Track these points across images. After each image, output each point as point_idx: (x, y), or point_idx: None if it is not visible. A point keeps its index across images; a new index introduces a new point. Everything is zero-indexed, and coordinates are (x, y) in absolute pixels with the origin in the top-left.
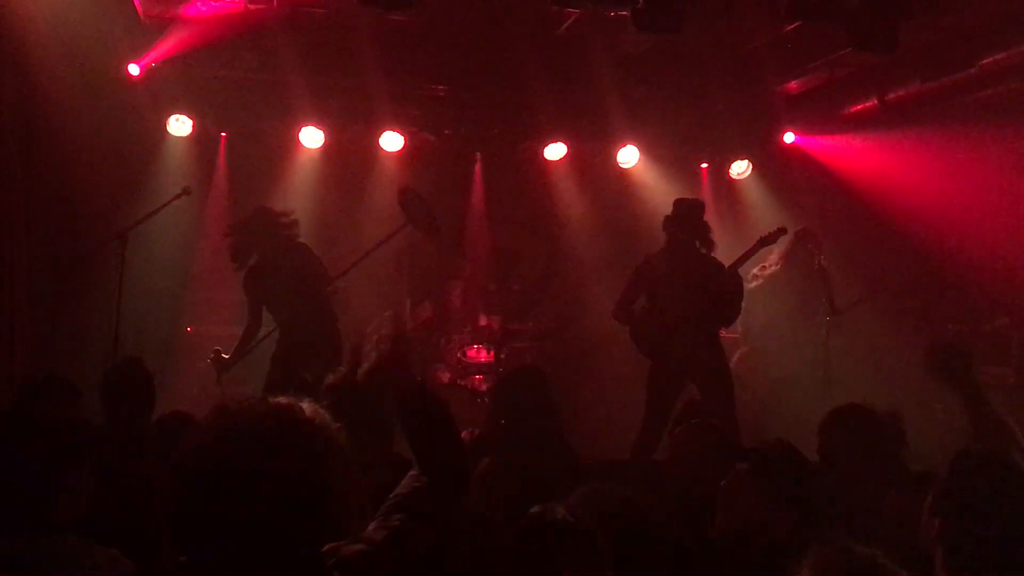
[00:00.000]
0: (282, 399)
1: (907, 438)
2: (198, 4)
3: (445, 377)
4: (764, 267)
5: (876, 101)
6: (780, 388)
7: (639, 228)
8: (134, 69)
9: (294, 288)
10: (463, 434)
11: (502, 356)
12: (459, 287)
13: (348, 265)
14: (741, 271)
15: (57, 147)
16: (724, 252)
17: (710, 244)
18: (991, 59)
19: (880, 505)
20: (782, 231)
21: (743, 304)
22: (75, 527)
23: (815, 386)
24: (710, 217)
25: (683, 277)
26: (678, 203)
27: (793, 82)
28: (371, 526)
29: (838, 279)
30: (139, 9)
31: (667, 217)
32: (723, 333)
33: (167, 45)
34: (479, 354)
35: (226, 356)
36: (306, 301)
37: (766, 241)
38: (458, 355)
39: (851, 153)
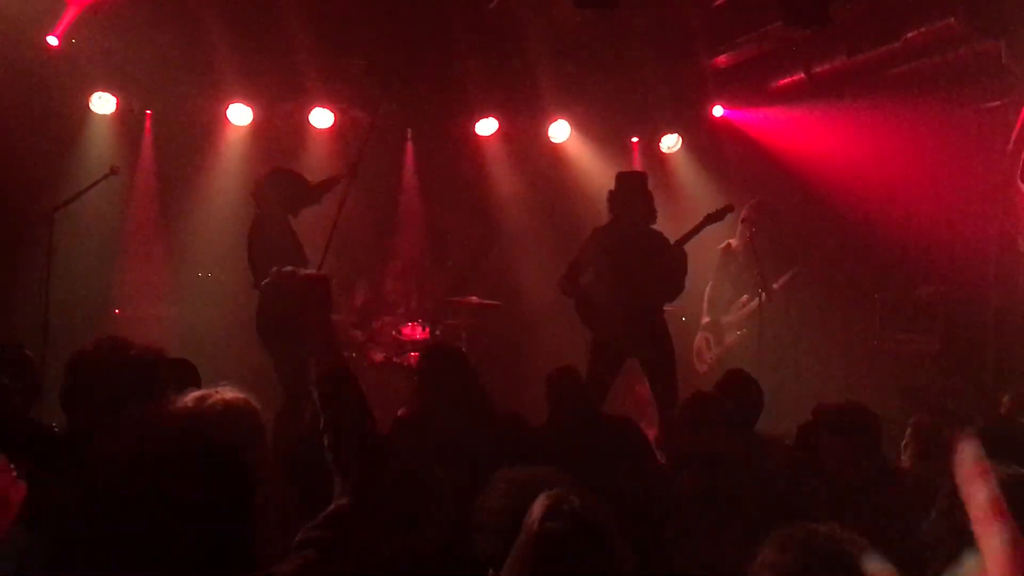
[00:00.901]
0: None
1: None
2: None
3: (379, 357)
4: (729, 243)
5: (803, 75)
6: (731, 357)
7: (571, 203)
8: (52, 40)
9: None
10: (400, 412)
11: (437, 332)
12: (396, 267)
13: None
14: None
15: None
16: (658, 227)
17: (653, 215)
18: (915, 32)
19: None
20: (729, 208)
21: (711, 283)
22: None
23: (751, 359)
24: None
25: (628, 251)
26: (621, 177)
27: (722, 56)
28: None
29: (767, 251)
30: None
31: (610, 192)
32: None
33: (87, 13)
34: (414, 331)
35: None
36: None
37: (712, 218)
38: (393, 333)
39: (780, 126)
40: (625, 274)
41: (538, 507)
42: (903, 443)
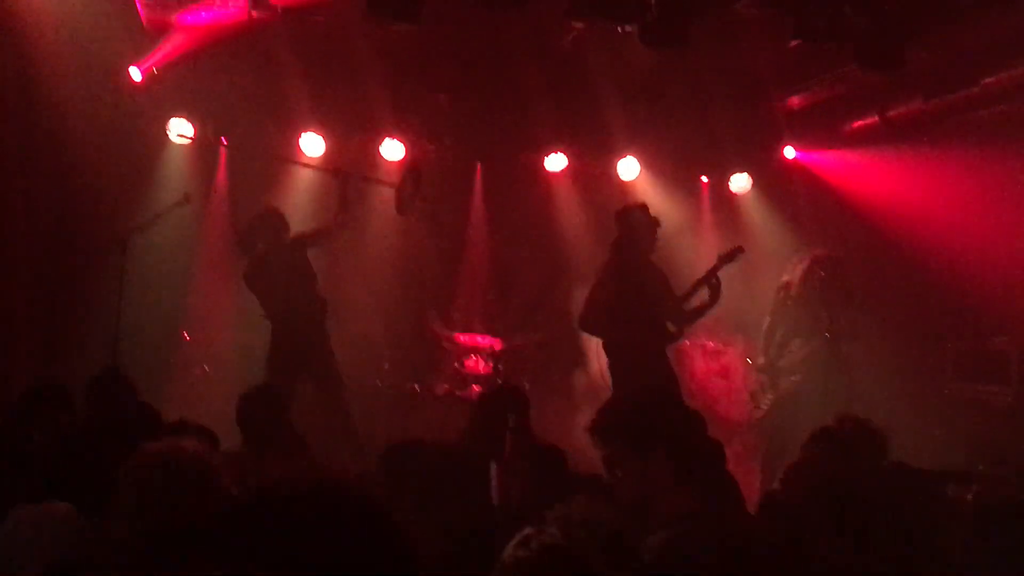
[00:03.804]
0: None
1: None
2: (201, 11)
3: (442, 389)
4: (781, 288)
5: (878, 118)
6: (789, 402)
7: None
8: (135, 74)
9: (288, 287)
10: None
11: (500, 367)
12: (460, 301)
13: None
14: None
15: (58, 153)
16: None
17: (652, 246)
18: (993, 78)
19: None
20: (740, 250)
21: (769, 320)
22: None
23: (820, 400)
24: (709, 232)
25: (631, 286)
26: (623, 217)
27: (795, 97)
28: None
29: (837, 294)
30: (142, 15)
31: (617, 238)
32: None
33: (168, 48)
34: (477, 365)
35: None
36: (299, 302)
37: (725, 259)
38: (455, 365)
39: (852, 169)
40: (634, 308)
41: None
42: None
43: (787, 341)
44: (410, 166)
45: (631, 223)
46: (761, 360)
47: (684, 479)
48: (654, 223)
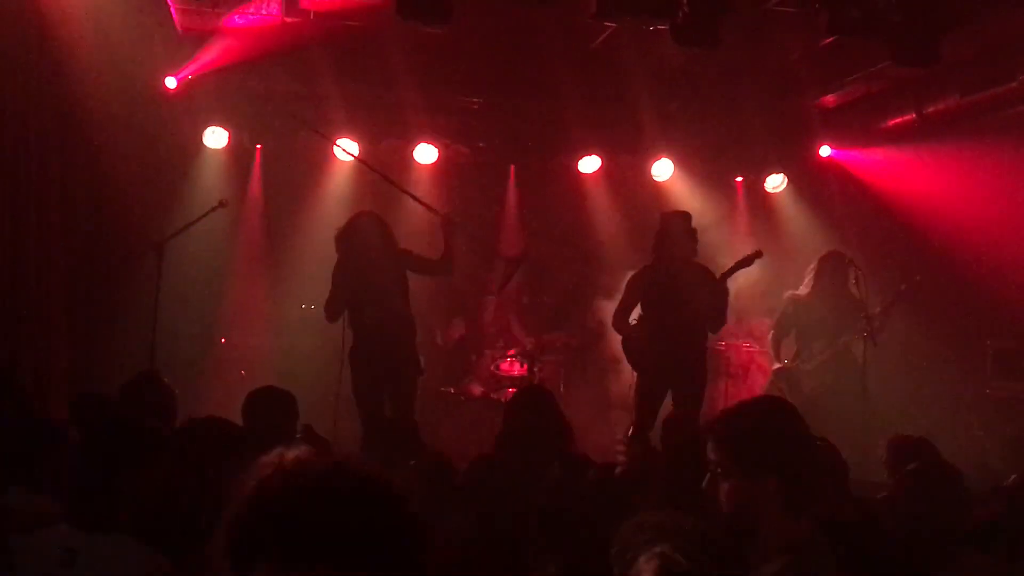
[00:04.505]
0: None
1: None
2: (235, 18)
3: (477, 391)
4: (795, 292)
5: (914, 115)
6: (814, 405)
7: None
8: (171, 82)
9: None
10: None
11: (535, 369)
12: (492, 302)
13: None
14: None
15: (95, 158)
16: (761, 266)
17: (694, 251)
18: None
19: None
20: (758, 254)
21: (773, 330)
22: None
23: (851, 402)
24: (745, 231)
25: (672, 288)
26: (665, 220)
27: (830, 95)
28: None
29: (872, 294)
30: (177, 23)
31: (657, 236)
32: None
33: (204, 59)
34: (512, 367)
35: None
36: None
37: (743, 263)
38: (491, 368)
39: (888, 167)
40: (669, 310)
41: (647, 570)
42: None
43: (808, 344)
44: (516, 257)
45: (668, 227)
46: (777, 365)
47: (797, 509)
48: (694, 232)
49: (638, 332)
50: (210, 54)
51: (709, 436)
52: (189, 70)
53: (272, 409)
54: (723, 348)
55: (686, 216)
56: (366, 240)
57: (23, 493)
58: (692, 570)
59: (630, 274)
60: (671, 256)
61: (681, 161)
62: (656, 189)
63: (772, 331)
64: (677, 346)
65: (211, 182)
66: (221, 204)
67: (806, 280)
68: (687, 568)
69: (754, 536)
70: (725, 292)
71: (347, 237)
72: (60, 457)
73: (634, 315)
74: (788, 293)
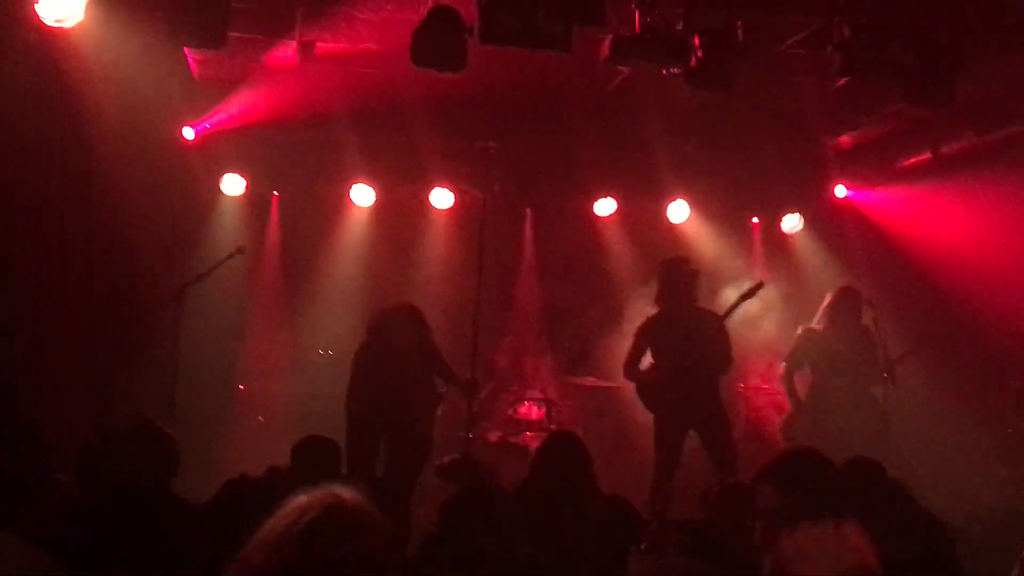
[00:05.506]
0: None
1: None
2: (250, 65)
3: (495, 436)
4: (810, 326)
5: (930, 154)
6: (837, 446)
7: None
8: (189, 133)
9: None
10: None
11: (553, 413)
12: (510, 344)
13: None
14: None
15: (114, 206)
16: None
17: (693, 295)
18: None
19: None
20: (760, 286)
21: (785, 362)
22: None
23: (871, 442)
24: (762, 272)
25: (678, 333)
26: (664, 269)
27: (844, 136)
28: None
29: (890, 334)
30: (194, 71)
31: (658, 285)
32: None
33: (221, 115)
34: (530, 411)
35: None
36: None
37: (746, 296)
38: (508, 412)
39: (904, 207)
40: (679, 354)
41: None
42: None
43: (827, 380)
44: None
45: (669, 275)
46: (792, 400)
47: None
48: (693, 273)
49: (651, 377)
50: (227, 109)
51: (769, 482)
52: (207, 122)
53: (320, 455)
54: (742, 389)
55: (684, 261)
56: (398, 338)
57: None
58: None
59: (639, 324)
60: (675, 303)
61: (697, 202)
62: (672, 231)
63: (784, 364)
64: (690, 388)
65: (229, 229)
66: (239, 251)
67: (820, 314)
68: None
69: None
70: (725, 332)
71: (378, 329)
72: None
73: (644, 362)
74: (802, 327)
